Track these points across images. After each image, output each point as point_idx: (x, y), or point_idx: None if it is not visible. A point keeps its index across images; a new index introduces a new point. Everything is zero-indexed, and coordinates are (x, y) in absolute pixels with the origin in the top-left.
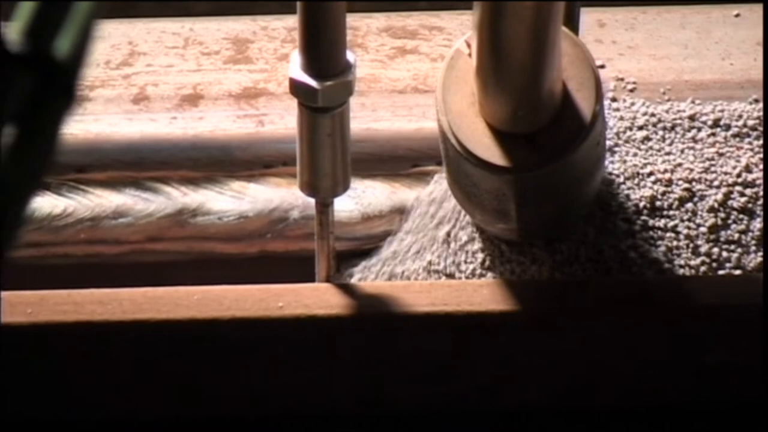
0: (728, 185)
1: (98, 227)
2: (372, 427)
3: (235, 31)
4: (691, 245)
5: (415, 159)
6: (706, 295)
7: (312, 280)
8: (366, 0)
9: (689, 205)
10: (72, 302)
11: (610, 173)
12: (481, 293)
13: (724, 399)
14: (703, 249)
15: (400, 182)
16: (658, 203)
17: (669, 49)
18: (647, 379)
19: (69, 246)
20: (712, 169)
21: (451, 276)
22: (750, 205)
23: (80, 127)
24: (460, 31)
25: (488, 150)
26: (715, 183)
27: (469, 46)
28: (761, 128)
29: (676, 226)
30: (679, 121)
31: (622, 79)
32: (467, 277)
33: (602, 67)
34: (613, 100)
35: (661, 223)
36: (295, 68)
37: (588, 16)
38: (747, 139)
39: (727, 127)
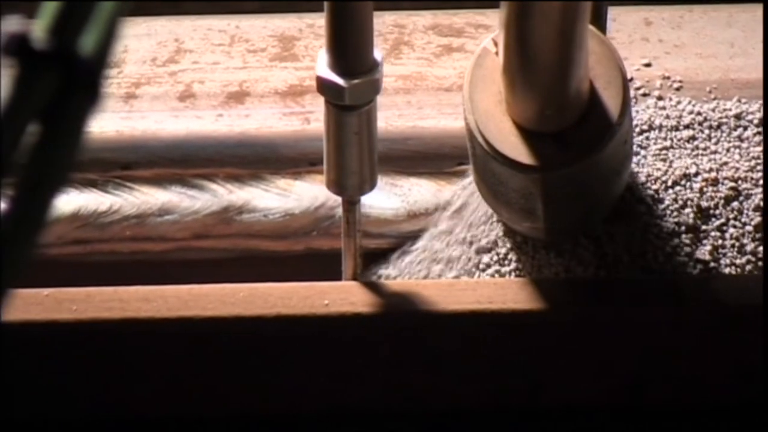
0: None
1: (144, 224)
2: (417, 425)
3: (281, 28)
4: (737, 244)
5: (460, 157)
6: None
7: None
8: None
9: (735, 204)
10: (118, 299)
11: (656, 171)
12: (526, 291)
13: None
14: (749, 248)
15: (446, 180)
16: (704, 203)
17: (715, 47)
18: (696, 378)
19: (115, 243)
20: (758, 167)
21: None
22: None
23: (126, 124)
24: None
25: (515, 149)
26: (761, 182)
27: (496, 44)
28: None
29: (722, 225)
30: (725, 120)
31: (668, 78)
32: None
33: (648, 65)
34: (659, 98)
35: (707, 222)
36: (322, 66)
37: (634, 15)
38: None
39: None
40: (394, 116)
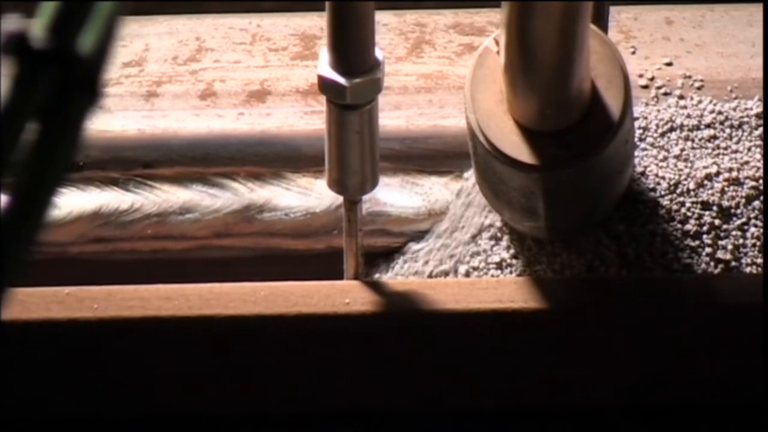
0: None
1: (165, 223)
2: (438, 424)
3: (303, 27)
4: (758, 244)
5: None
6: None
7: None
8: None
9: (756, 204)
10: (138, 298)
11: (677, 170)
12: (547, 290)
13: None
14: None
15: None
16: (725, 202)
17: (736, 46)
18: (730, 377)
19: (136, 241)
20: None
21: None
22: None
23: (148, 122)
24: None
25: (516, 148)
26: None
27: (497, 43)
28: None
29: (743, 224)
30: (746, 119)
31: (689, 77)
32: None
33: (670, 64)
34: (681, 97)
35: (728, 221)
36: (323, 65)
37: (656, 14)
38: None
39: None
40: (415, 115)
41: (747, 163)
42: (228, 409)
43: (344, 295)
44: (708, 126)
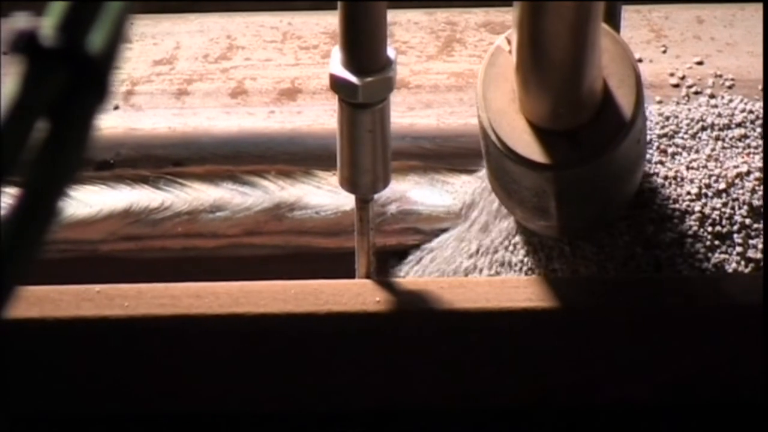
0: None
1: (196, 221)
2: (471, 423)
3: (333, 25)
4: None
5: None
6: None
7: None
8: None
9: None
10: (169, 296)
11: (708, 170)
12: (578, 289)
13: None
14: None
15: None
16: (755, 201)
17: None
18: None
19: (166, 239)
20: None
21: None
22: None
23: (178, 120)
24: None
25: (528, 147)
26: None
27: (509, 42)
28: None
29: None
30: None
31: (720, 76)
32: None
33: (701, 63)
34: (711, 96)
35: (759, 221)
36: (335, 64)
37: (687, 13)
38: None
39: None
40: (446, 114)
41: None
42: (258, 407)
43: (375, 294)
44: (739, 125)
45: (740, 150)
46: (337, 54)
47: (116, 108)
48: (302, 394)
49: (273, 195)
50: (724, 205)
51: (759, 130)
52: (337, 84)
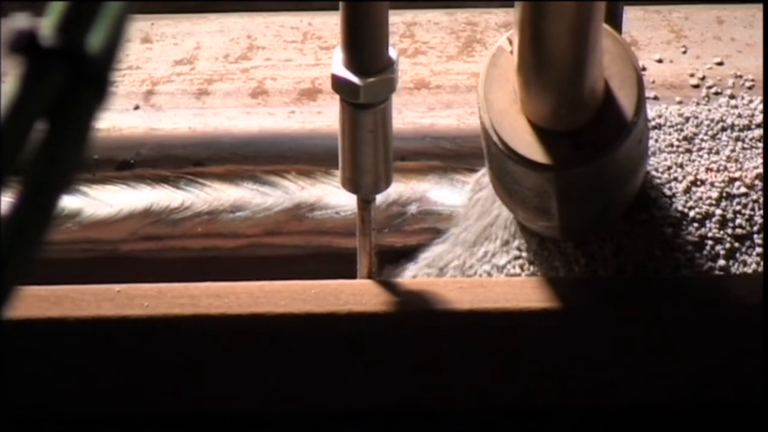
0: None
1: (216, 221)
2: (489, 422)
3: None
4: None
5: None
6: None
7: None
8: None
9: None
10: (189, 295)
11: (728, 171)
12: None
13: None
14: None
15: None
16: None
17: None
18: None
19: (186, 239)
20: None
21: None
22: None
23: (199, 120)
24: None
25: (530, 147)
26: None
27: (511, 43)
28: None
29: None
30: None
31: (740, 77)
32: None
33: (721, 64)
34: (732, 97)
35: None
36: (337, 65)
37: (707, 13)
38: None
39: None
40: (466, 114)
41: None
42: (277, 407)
43: (395, 294)
44: (759, 126)
45: (760, 151)
46: (338, 54)
47: (137, 108)
48: (325, 394)
49: (293, 195)
50: (744, 206)
51: None
52: (338, 84)
